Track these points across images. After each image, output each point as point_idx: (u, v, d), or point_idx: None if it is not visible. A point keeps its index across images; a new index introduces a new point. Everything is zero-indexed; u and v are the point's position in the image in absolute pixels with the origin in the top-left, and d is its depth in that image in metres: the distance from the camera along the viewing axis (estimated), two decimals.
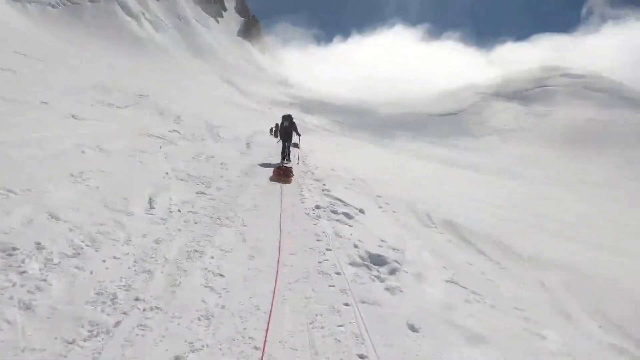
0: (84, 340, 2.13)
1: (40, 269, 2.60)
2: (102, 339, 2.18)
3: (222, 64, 66.72)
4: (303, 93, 66.10)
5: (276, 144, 13.36)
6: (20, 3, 43.60)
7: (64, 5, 49.75)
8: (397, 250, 5.40)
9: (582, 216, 17.93)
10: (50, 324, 2.19)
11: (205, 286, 3.06)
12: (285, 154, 10.45)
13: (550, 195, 23.20)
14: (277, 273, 3.59)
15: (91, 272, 2.76)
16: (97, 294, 2.56)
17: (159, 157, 7.70)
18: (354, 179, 9.94)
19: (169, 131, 11.07)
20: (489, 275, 6.19)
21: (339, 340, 2.68)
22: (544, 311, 5.43)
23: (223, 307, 2.82)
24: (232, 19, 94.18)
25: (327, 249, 4.61)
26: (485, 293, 5.08)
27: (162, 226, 4.12)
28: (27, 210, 3.32)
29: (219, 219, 4.89)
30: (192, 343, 2.32)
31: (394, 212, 8.37)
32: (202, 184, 6.50)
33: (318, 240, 4.89)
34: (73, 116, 9.04)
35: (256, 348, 2.42)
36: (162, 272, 3.06)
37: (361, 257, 4.60)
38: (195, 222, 4.56)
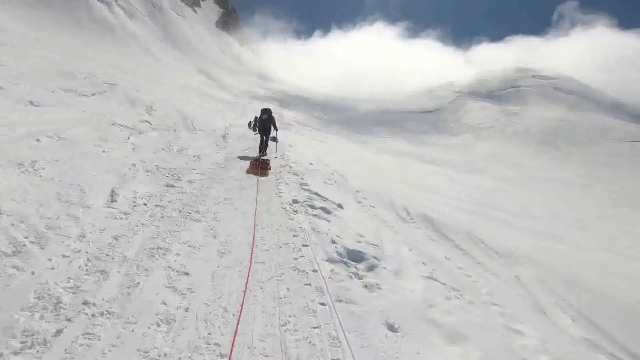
0: (14, 353, 1.82)
1: None
2: (38, 351, 1.87)
3: (198, 54, 64.78)
4: (282, 87, 65.28)
5: (254, 138, 13.01)
6: None
7: None
8: (376, 245, 5.26)
9: (552, 213, 18.61)
10: None
11: (167, 286, 2.77)
12: (263, 147, 10.20)
13: (520, 192, 23.96)
14: (249, 271, 3.34)
15: (32, 273, 2.41)
16: (37, 298, 2.23)
17: (126, 148, 7.23)
18: (332, 174, 9.77)
19: (140, 121, 10.49)
20: (466, 270, 6.18)
21: (313, 344, 2.48)
22: (520, 306, 5.46)
23: (186, 309, 2.55)
24: (210, 10, 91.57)
25: (304, 245, 4.40)
26: (464, 289, 5.02)
27: (123, 221, 3.77)
28: None
29: (188, 213, 4.58)
30: (146, 352, 2.05)
31: (372, 207, 8.27)
32: (172, 176, 6.13)
33: (294, 235, 4.66)
34: (31, 102, 8.35)
35: (222, 356, 2.18)
36: (118, 272, 2.75)
37: (339, 253, 4.41)
38: (162, 217, 4.22)
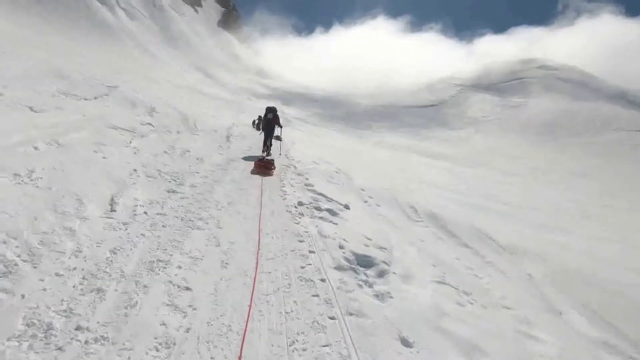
0: None
1: None
2: None
3: (199, 54, 64.57)
4: (283, 84, 64.98)
5: (258, 137, 12.85)
6: None
7: None
8: (384, 249, 5.10)
9: (555, 204, 18.33)
10: None
11: (167, 304, 2.62)
12: (267, 147, 10.05)
13: (522, 184, 23.69)
14: (253, 284, 3.18)
15: (23, 296, 2.27)
16: (27, 325, 2.08)
17: (126, 152, 7.08)
18: (336, 172, 9.59)
19: (141, 124, 10.34)
20: (476, 271, 6.01)
21: None
22: (534, 308, 5.27)
23: (187, 330, 2.40)
24: (211, 9, 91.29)
25: (310, 251, 4.25)
26: (475, 292, 4.85)
27: (122, 232, 3.62)
28: None
29: (190, 220, 4.43)
30: None
31: (378, 205, 8.11)
32: (174, 181, 5.98)
33: (300, 241, 4.50)
34: (30, 108, 8.21)
35: None
36: (115, 290, 2.60)
37: (347, 260, 4.25)
38: (164, 226, 4.07)
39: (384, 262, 4.57)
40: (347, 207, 6.57)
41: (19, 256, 2.63)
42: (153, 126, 10.43)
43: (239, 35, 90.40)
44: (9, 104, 7.61)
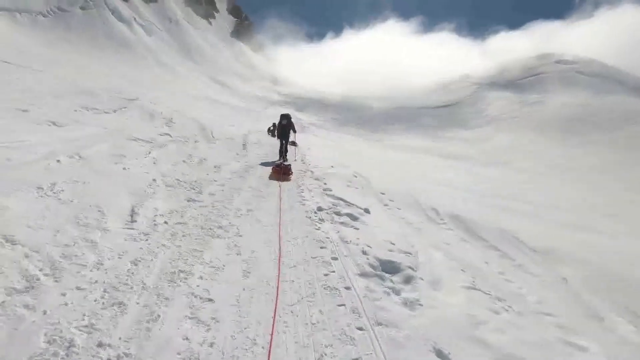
0: None
1: None
2: None
3: (214, 64, 65.88)
4: (295, 90, 65.43)
5: (273, 143, 12.86)
6: (10, 13, 42.80)
7: (55, 13, 48.95)
8: (409, 253, 4.89)
9: (581, 202, 17.56)
10: None
11: (190, 317, 2.52)
12: (283, 152, 10.07)
13: (544, 183, 22.87)
14: (277, 294, 3.06)
15: (44, 312, 2.21)
16: (48, 342, 2.01)
17: (146, 163, 7.15)
18: (355, 176, 9.44)
19: (159, 134, 10.51)
20: (507, 275, 5.72)
21: None
22: (574, 314, 4.95)
23: (211, 344, 2.29)
24: (224, 20, 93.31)
25: (333, 258, 4.10)
26: (509, 298, 4.58)
27: (143, 243, 3.57)
28: None
29: (210, 229, 4.36)
30: None
31: (399, 209, 7.90)
32: (193, 189, 5.97)
33: (322, 247, 4.36)
34: (53, 123, 8.45)
35: None
36: (137, 303, 2.52)
37: (372, 266, 4.08)
38: (184, 235, 4.02)
39: (410, 267, 4.37)
40: (367, 211, 6.39)
41: (41, 270, 2.60)
42: (171, 136, 10.56)
43: (252, 44, 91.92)
44: (34, 119, 7.83)
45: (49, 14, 48.50)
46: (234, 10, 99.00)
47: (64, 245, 3.02)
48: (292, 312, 2.88)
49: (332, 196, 6.79)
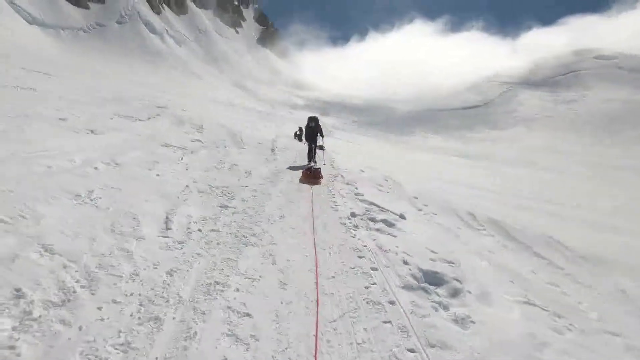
0: None
1: (13, 329, 1.97)
2: None
3: (241, 72, 67.37)
4: (320, 95, 65.65)
5: (301, 148, 12.77)
6: (55, 30, 45.80)
7: (94, 29, 52.02)
8: (452, 263, 4.56)
9: (626, 205, 16.26)
10: None
11: (228, 334, 2.36)
12: (312, 156, 9.92)
13: (582, 184, 21.44)
14: (317, 309, 2.85)
15: (80, 328, 2.11)
16: None
17: (178, 169, 7.18)
18: (386, 180, 9.13)
19: (191, 141, 10.64)
20: (562, 287, 5.22)
21: None
22: None
23: None
24: (251, 29, 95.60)
25: (373, 268, 3.85)
26: (568, 314, 4.14)
27: (178, 251, 3.47)
28: (12, 242, 2.73)
29: (244, 236, 4.23)
30: None
31: (434, 214, 7.51)
32: (225, 195, 5.90)
33: (360, 257, 4.13)
34: (91, 131, 8.71)
35: None
36: (173, 319, 2.39)
37: (415, 277, 3.80)
38: (218, 243, 3.90)
39: (455, 279, 4.05)
40: (402, 217, 6.09)
41: (77, 281, 2.52)
42: (202, 142, 10.66)
43: (277, 50, 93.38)
44: (72, 127, 8.09)
45: (89, 29, 51.56)
46: (260, 18, 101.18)
47: (100, 255, 2.96)
48: (334, 330, 2.66)
49: (365, 201, 6.54)
